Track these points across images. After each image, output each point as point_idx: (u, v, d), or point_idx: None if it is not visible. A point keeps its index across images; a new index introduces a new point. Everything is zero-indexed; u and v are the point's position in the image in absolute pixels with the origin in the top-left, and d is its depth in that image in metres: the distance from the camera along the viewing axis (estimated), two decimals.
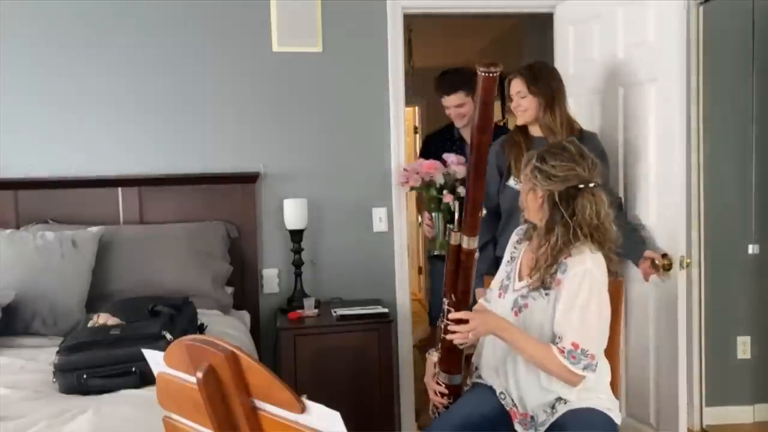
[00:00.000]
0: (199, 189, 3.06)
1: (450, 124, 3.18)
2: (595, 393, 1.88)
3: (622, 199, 2.73)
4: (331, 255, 3.04)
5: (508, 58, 5.56)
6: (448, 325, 1.87)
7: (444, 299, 1.91)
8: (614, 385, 2.00)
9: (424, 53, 5.42)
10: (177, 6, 3.06)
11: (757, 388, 3.41)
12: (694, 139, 3.28)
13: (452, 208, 1.86)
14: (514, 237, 2.07)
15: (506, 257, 2.06)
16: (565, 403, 1.85)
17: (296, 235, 3.04)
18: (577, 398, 1.85)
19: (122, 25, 3.03)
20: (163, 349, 1.14)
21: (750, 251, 3.37)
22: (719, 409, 3.37)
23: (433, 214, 2.97)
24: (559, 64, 3.20)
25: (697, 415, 3.32)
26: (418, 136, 6.83)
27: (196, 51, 3.10)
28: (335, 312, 2.89)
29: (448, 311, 1.88)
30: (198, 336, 1.07)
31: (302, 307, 2.95)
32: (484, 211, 1.81)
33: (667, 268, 2.52)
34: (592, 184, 1.82)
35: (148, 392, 1.78)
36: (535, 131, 2.59)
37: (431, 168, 2.92)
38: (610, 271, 1.87)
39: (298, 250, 3.05)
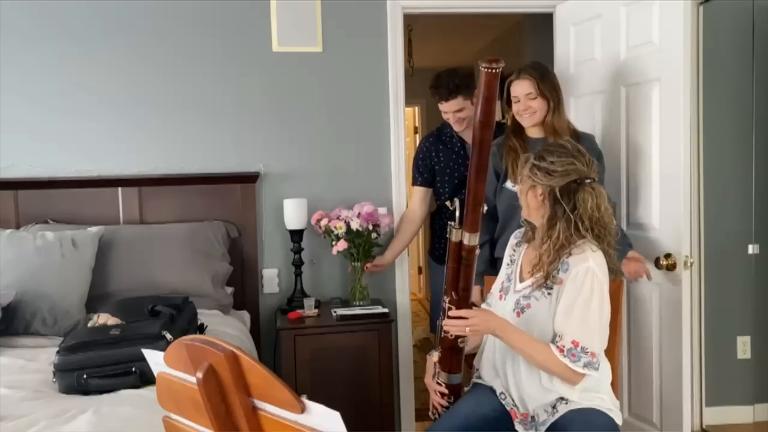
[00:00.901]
0: (199, 189, 3.06)
1: (444, 126, 3.12)
2: (597, 393, 1.88)
3: (615, 204, 2.70)
4: (331, 255, 3.03)
5: (508, 58, 5.56)
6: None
7: (444, 297, 1.90)
8: (614, 385, 2.00)
9: (424, 53, 5.41)
10: (177, 6, 3.06)
11: (757, 388, 3.41)
12: (694, 139, 3.28)
13: (452, 206, 1.86)
14: (512, 240, 2.07)
15: (506, 260, 2.06)
16: (566, 403, 1.85)
17: (296, 235, 3.04)
18: (579, 398, 1.85)
19: (122, 25, 3.04)
20: (163, 349, 1.14)
21: (750, 251, 3.37)
22: (719, 409, 3.37)
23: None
24: (559, 64, 3.20)
25: (697, 415, 3.32)
26: (418, 136, 6.83)
27: (196, 51, 3.10)
28: (335, 312, 2.89)
29: (449, 308, 1.88)
30: (198, 336, 1.07)
31: (302, 307, 2.95)
32: (485, 208, 1.80)
33: (671, 268, 2.52)
34: (589, 180, 1.82)
35: (148, 392, 1.79)
36: (533, 132, 2.55)
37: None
38: (610, 269, 1.87)
39: (298, 250, 3.05)
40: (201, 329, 2.30)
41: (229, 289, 2.94)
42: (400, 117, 3.23)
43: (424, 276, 6.49)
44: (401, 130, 3.25)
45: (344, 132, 3.22)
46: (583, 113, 3.01)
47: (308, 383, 2.77)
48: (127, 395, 1.83)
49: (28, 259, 2.52)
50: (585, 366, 1.77)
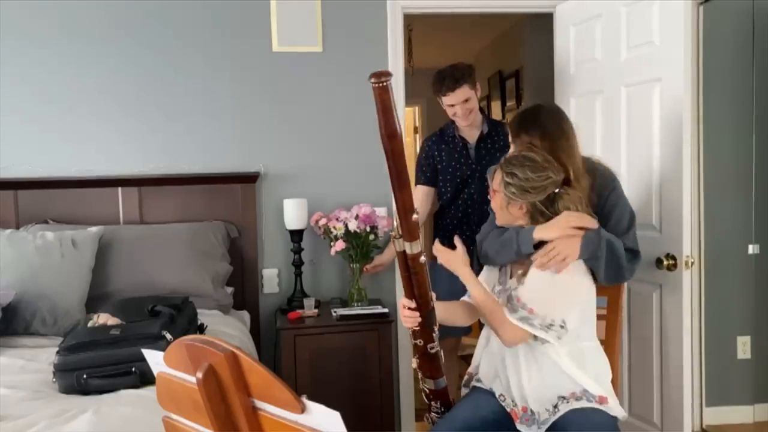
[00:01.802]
0: (199, 189, 3.06)
1: (446, 126, 3.12)
2: (598, 392, 1.88)
3: (633, 214, 2.49)
4: (331, 255, 3.03)
5: (508, 58, 5.57)
6: (416, 331, 1.85)
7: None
8: (614, 384, 2.00)
9: (424, 53, 5.42)
10: (177, 6, 3.06)
11: (757, 388, 3.41)
12: (695, 139, 3.28)
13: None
14: None
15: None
16: (568, 402, 1.85)
17: (296, 235, 3.04)
18: (594, 389, 1.87)
19: (122, 25, 3.04)
20: (163, 349, 1.14)
21: (750, 251, 3.37)
22: (719, 409, 3.37)
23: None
24: (559, 64, 3.20)
25: (698, 415, 3.32)
26: (418, 136, 6.84)
27: (197, 51, 3.10)
28: (335, 312, 2.89)
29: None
30: (198, 336, 1.07)
31: (302, 307, 2.95)
32: (416, 216, 1.74)
33: (671, 268, 2.52)
34: (562, 187, 1.89)
35: (148, 392, 1.79)
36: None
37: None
38: None
39: (298, 250, 3.05)
40: (201, 329, 2.30)
41: (229, 289, 2.94)
42: (400, 117, 3.22)
43: None
44: (401, 130, 3.24)
45: (344, 132, 3.22)
46: (583, 113, 3.01)
47: (308, 383, 2.77)
48: (127, 395, 1.82)
49: (28, 259, 2.52)
50: (541, 328, 1.80)
